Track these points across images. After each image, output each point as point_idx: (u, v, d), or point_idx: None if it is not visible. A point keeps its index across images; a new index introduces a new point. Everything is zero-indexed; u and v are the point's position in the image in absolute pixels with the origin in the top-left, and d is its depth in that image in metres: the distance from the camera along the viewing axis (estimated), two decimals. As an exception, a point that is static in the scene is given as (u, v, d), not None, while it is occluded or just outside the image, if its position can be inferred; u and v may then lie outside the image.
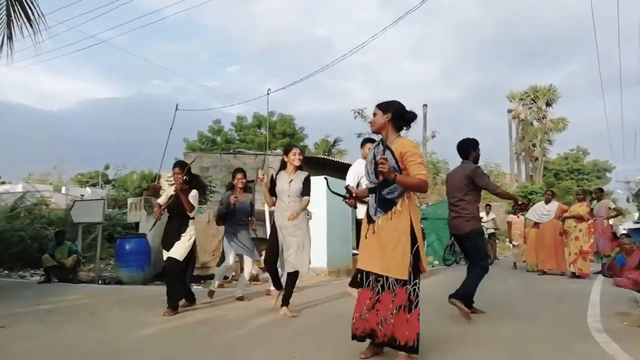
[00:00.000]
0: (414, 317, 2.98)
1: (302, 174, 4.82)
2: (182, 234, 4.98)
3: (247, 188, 5.93)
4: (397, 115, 3.21)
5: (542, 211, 9.63)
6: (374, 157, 3.19)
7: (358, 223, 5.54)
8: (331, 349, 3.47)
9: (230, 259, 5.79)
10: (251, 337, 3.97)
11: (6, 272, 9.77)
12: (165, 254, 5.03)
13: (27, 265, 10.28)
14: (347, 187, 3.55)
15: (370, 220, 3.18)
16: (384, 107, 3.25)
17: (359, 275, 3.27)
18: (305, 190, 4.80)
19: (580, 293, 6.40)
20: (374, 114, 3.29)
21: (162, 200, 5.18)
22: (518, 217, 11.81)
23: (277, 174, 4.87)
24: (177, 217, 5.04)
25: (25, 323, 4.34)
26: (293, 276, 4.76)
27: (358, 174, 5.63)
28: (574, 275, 8.48)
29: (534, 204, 12.05)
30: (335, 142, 28.60)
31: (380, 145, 3.25)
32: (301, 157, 4.81)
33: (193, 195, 5.03)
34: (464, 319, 4.31)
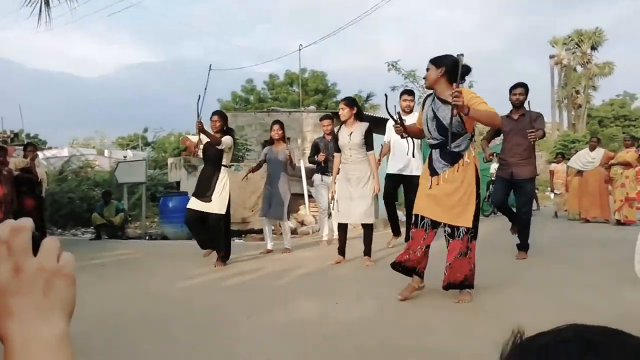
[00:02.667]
0: (470, 259, 3.25)
1: (362, 126, 4.78)
2: (217, 183, 5.01)
3: (284, 139, 5.95)
4: (451, 69, 3.21)
5: (587, 159, 9.29)
6: (434, 113, 3.27)
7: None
8: (369, 297, 3.55)
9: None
10: (296, 285, 4.10)
11: (59, 230, 10.33)
12: (193, 202, 5.04)
13: (78, 224, 10.83)
14: (398, 113, 3.54)
15: (433, 173, 3.31)
16: (437, 61, 3.27)
17: (413, 218, 3.41)
18: (368, 142, 4.78)
19: (627, 240, 6.19)
20: (427, 69, 3.31)
21: (192, 137, 5.25)
22: (561, 165, 11.44)
23: (339, 128, 4.89)
24: (211, 165, 5.10)
25: (81, 276, 4.58)
26: (368, 228, 4.84)
27: (389, 128, 5.58)
28: (619, 223, 8.25)
29: (576, 152, 11.64)
30: (368, 96, 28.10)
31: (436, 100, 3.29)
32: (344, 111, 4.76)
33: (227, 137, 5.06)
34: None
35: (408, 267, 3.38)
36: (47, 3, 6.07)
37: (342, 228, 4.96)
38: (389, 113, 3.54)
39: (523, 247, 4.98)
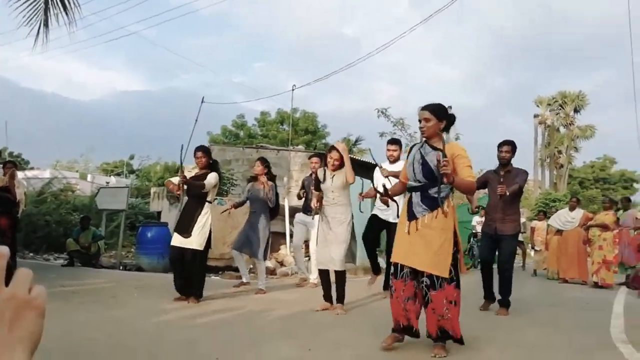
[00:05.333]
0: (457, 311, 3.21)
1: (344, 169, 4.79)
2: (198, 218, 4.96)
3: (270, 177, 5.92)
4: (448, 122, 3.34)
5: (566, 218, 9.43)
6: (422, 157, 3.32)
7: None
8: (349, 345, 3.48)
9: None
10: (271, 327, 4.01)
11: (31, 254, 10.03)
12: (176, 239, 4.96)
13: (52, 249, 10.54)
14: (384, 185, 3.58)
15: (412, 217, 3.28)
16: (439, 114, 3.31)
17: (392, 268, 3.37)
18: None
19: (604, 303, 6.26)
20: (427, 119, 3.30)
21: (175, 179, 5.19)
22: (542, 222, 11.59)
23: (323, 171, 4.89)
24: (194, 200, 5.05)
25: (49, 302, 4.44)
26: (339, 275, 4.73)
27: (377, 180, 5.63)
28: (596, 285, 8.29)
29: (557, 210, 11.82)
30: (357, 140, 28.47)
31: (426, 146, 3.34)
32: (336, 163, 4.78)
33: (213, 176, 5.04)
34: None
35: (409, 328, 3.29)
36: (46, 25, 6.13)
37: (324, 274, 4.86)
38: (376, 190, 3.69)
39: (504, 303, 4.97)
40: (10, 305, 0.46)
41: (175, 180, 5.08)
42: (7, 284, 0.47)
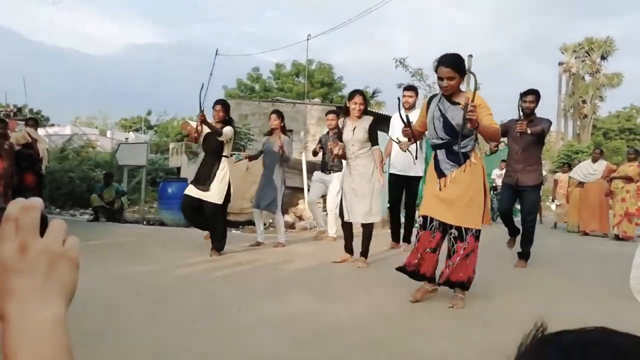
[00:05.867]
0: (473, 260, 3.25)
1: (366, 121, 4.63)
2: (216, 172, 5.01)
3: (283, 130, 5.85)
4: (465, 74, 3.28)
5: (589, 170, 9.26)
6: (441, 114, 3.26)
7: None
8: (366, 295, 3.55)
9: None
10: (289, 280, 4.11)
11: (57, 210, 10.34)
12: (190, 189, 5.03)
13: (77, 204, 10.84)
14: (407, 116, 3.53)
15: (440, 174, 3.30)
16: (460, 69, 3.21)
17: (421, 220, 3.40)
18: (373, 138, 4.63)
19: (624, 255, 6.17)
20: (450, 78, 3.17)
21: (192, 122, 5.24)
22: (565, 175, 11.39)
23: (343, 122, 4.77)
24: (211, 155, 5.10)
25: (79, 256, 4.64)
26: (366, 227, 4.69)
27: (392, 124, 5.56)
28: (617, 238, 8.23)
29: (579, 162, 11.59)
30: (374, 93, 28.01)
31: (444, 100, 3.28)
32: (362, 107, 4.63)
33: (228, 128, 5.06)
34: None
35: (416, 273, 3.35)
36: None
37: (347, 226, 4.85)
38: (401, 117, 3.55)
39: (524, 255, 4.96)
40: (45, 256, 0.47)
41: (193, 123, 5.13)
42: (42, 235, 0.48)
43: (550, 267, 5.06)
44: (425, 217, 3.35)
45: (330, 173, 6.27)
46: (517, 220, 5.28)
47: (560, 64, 34.46)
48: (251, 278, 4.13)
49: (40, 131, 8.54)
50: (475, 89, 3.15)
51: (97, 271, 4.03)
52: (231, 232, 6.37)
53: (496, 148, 5.01)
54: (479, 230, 3.28)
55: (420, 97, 6.24)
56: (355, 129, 4.61)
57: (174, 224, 8.41)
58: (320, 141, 6.29)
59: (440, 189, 3.28)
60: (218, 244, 5.06)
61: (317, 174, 6.54)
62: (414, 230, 4.61)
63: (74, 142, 14.42)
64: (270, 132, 5.92)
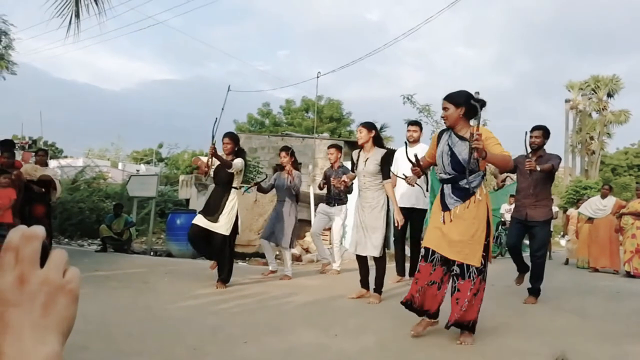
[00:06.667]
0: (478, 300, 3.22)
1: (378, 153, 4.52)
2: (226, 203, 5.06)
3: (295, 165, 6.01)
4: (469, 107, 3.26)
5: (598, 206, 9.20)
6: (450, 148, 3.30)
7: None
8: (373, 331, 3.52)
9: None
10: (296, 313, 4.08)
11: (66, 240, 10.40)
12: (199, 219, 5.07)
13: (85, 235, 10.91)
14: (415, 155, 3.57)
15: (445, 208, 3.32)
16: (455, 100, 3.28)
17: (423, 251, 3.38)
18: (384, 171, 4.50)
19: (635, 292, 6.12)
20: (446, 109, 3.31)
21: (203, 158, 5.36)
22: (576, 211, 11.29)
23: (357, 153, 4.67)
24: (221, 186, 5.17)
25: (84, 286, 4.64)
26: (379, 261, 4.57)
27: (396, 159, 5.63)
28: (628, 275, 8.09)
29: (588, 197, 11.52)
30: (382, 127, 28.26)
31: (453, 135, 3.33)
32: (362, 134, 4.56)
33: (239, 160, 5.12)
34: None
35: (417, 309, 3.33)
36: (77, 15, 6.28)
37: (362, 260, 4.74)
38: (408, 158, 3.60)
39: (534, 291, 4.88)
40: (44, 289, 0.45)
41: (204, 159, 5.24)
42: (42, 264, 0.46)
43: (560, 304, 4.98)
44: (427, 249, 3.34)
45: (334, 205, 6.33)
46: (526, 255, 5.23)
47: (567, 101, 34.67)
48: (257, 311, 4.11)
49: (53, 163, 8.68)
50: (479, 120, 3.16)
51: (102, 301, 4.04)
52: (238, 264, 6.38)
53: (503, 183, 5.04)
54: (484, 269, 3.24)
55: (427, 132, 6.35)
56: (367, 161, 4.55)
57: (181, 255, 8.43)
58: (325, 175, 6.37)
59: (444, 222, 3.29)
60: (225, 276, 5.06)
61: (322, 206, 6.58)
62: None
63: (86, 173, 14.63)
64: (281, 167, 6.05)
